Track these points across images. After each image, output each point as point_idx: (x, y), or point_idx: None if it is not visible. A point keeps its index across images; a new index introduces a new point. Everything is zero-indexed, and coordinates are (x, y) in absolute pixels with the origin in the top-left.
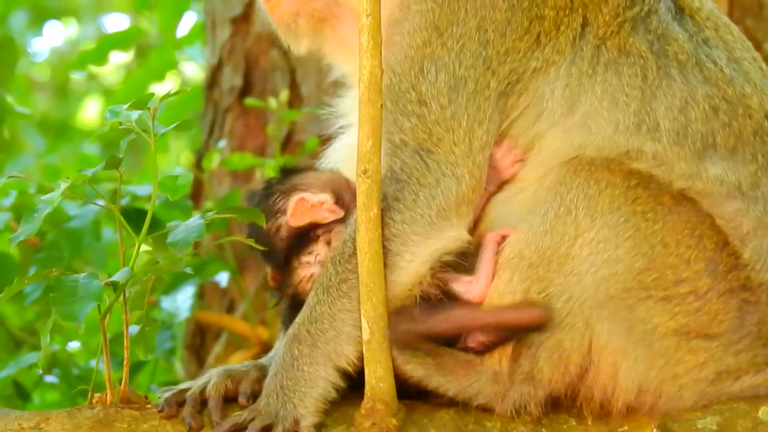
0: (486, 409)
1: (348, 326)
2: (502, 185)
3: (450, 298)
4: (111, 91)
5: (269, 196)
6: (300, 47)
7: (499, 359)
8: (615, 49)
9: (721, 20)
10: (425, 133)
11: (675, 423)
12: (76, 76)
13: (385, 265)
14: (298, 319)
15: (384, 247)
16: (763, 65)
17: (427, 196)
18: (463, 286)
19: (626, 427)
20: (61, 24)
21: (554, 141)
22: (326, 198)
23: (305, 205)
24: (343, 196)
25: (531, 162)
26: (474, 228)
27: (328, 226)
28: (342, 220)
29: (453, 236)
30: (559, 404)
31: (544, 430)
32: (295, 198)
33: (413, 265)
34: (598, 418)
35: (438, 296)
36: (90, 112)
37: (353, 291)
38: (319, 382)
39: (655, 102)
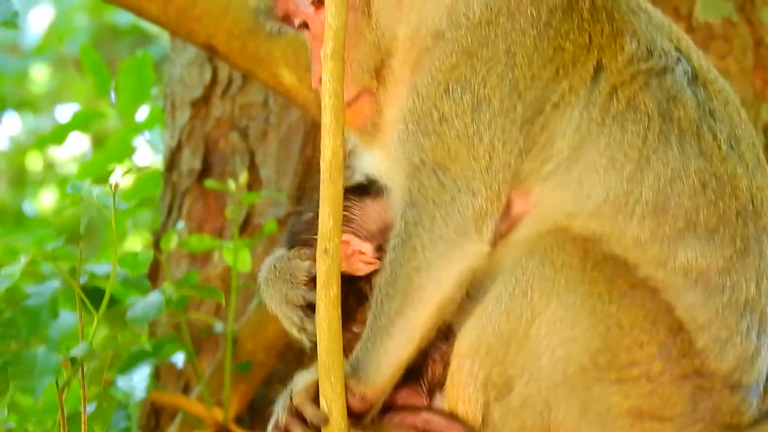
0: None
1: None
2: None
3: (412, 384)
4: (68, 180)
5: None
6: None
7: None
8: (624, 101)
9: (731, 98)
10: (444, 150)
11: None
12: (33, 167)
13: (407, 305)
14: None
15: (406, 285)
16: (761, 154)
17: (444, 215)
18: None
19: None
20: (18, 115)
21: (553, 192)
22: (368, 249)
23: (345, 250)
24: (386, 236)
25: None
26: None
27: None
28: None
29: (474, 252)
30: None
31: None
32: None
33: (437, 295)
34: None
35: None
36: (46, 201)
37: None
38: None
39: (647, 168)
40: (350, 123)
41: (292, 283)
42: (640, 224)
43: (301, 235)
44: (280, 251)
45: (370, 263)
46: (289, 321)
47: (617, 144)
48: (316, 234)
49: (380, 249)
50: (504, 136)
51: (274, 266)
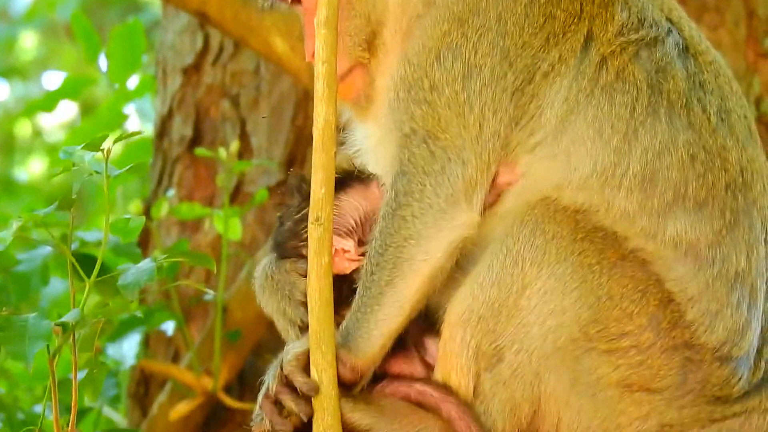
0: None
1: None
2: (498, 197)
3: (406, 352)
4: (56, 147)
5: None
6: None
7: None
8: (614, 72)
9: (723, 70)
10: (434, 119)
11: None
12: (22, 133)
13: (397, 275)
14: None
15: (395, 255)
16: (753, 126)
17: (434, 184)
18: (434, 349)
19: None
20: (7, 82)
21: (540, 164)
22: (350, 246)
23: None
24: (366, 227)
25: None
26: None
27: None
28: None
29: (464, 221)
30: None
31: None
32: None
33: (427, 265)
34: None
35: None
36: (35, 169)
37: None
38: None
39: (635, 141)
40: (343, 96)
41: (290, 299)
42: (628, 196)
43: (287, 244)
44: (270, 256)
45: (355, 260)
46: (286, 333)
47: (605, 115)
48: (302, 241)
49: (362, 243)
50: (494, 105)
51: (272, 276)
